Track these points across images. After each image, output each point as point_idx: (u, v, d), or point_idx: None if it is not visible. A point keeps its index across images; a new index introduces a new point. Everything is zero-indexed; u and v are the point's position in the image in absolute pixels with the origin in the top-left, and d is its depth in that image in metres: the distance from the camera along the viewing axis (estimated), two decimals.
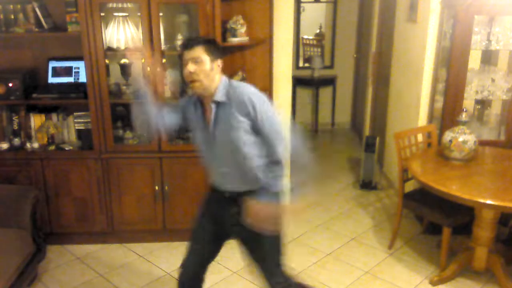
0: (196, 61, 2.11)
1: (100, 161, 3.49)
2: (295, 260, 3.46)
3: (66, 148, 3.52)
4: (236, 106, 2.13)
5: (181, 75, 3.71)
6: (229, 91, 2.17)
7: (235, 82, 2.23)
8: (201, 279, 2.55)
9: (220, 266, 3.41)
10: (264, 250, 2.34)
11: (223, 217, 2.34)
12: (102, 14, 3.30)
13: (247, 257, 2.44)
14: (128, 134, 3.58)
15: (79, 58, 3.44)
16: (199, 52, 2.11)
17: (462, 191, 2.81)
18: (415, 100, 3.98)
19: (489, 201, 2.72)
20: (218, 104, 2.16)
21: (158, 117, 2.30)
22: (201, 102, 2.25)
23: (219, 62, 2.17)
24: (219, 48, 2.21)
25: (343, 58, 6.71)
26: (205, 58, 2.11)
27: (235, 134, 2.14)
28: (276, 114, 2.19)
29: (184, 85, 3.60)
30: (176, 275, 3.32)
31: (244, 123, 2.13)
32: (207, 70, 2.11)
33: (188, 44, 2.13)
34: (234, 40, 3.51)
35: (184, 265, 2.49)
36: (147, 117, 2.28)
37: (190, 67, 2.10)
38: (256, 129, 2.15)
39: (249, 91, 2.16)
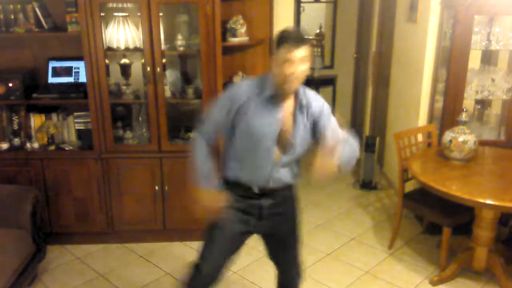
0: (303, 61, 2.00)
1: (100, 161, 3.49)
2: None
3: (66, 148, 3.52)
4: (312, 111, 2.16)
5: (181, 76, 3.73)
6: (307, 95, 2.17)
7: (306, 88, 2.21)
8: (222, 274, 2.41)
9: None
10: (293, 235, 2.43)
11: (252, 214, 2.29)
12: (102, 14, 3.30)
13: (274, 249, 2.46)
14: (128, 134, 3.58)
15: (79, 58, 3.44)
16: (307, 51, 2.00)
17: (462, 191, 2.81)
18: (415, 100, 3.98)
19: (489, 201, 2.72)
20: (300, 106, 2.14)
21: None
22: (272, 101, 2.12)
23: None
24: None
25: (343, 58, 6.71)
26: (310, 58, 2.04)
27: (307, 136, 2.19)
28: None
29: (184, 85, 3.61)
30: (176, 275, 3.32)
31: (310, 126, 2.19)
32: (307, 69, 2.04)
33: (300, 41, 1.98)
34: (234, 40, 3.52)
35: (209, 266, 2.34)
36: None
37: (300, 65, 1.99)
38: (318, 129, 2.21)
39: (323, 102, 2.24)
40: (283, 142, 2.16)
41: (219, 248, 2.31)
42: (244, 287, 3.21)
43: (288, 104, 2.15)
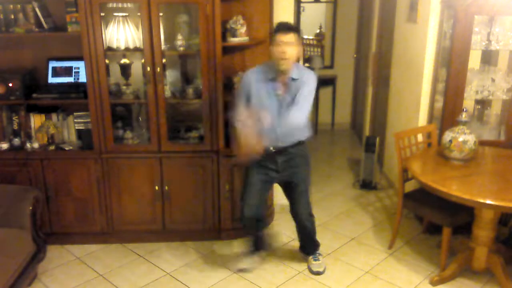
0: (291, 44, 2.76)
1: (100, 161, 3.49)
2: (295, 260, 3.46)
3: (66, 148, 3.52)
4: (303, 83, 2.86)
5: (181, 76, 3.74)
6: (300, 71, 2.90)
7: (301, 65, 3.00)
8: (263, 213, 3.26)
9: (220, 266, 3.41)
10: (303, 184, 3.14)
11: (270, 168, 3.05)
12: (102, 14, 3.30)
13: (292, 195, 3.18)
14: (128, 134, 3.58)
15: (79, 58, 3.45)
16: (294, 38, 2.78)
17: (462, 191, 2.81)
18: (415, 100, 3.98)
19: (489, 201, 2.72)
20: (293, 80, 2.87)
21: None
22: (272, 78, 2.89)
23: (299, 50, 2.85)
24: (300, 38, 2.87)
25: (343, 58, 6.71)
26: (298, 43, 2.82)
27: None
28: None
29: (184, 85, 3.61)
30: (176, 275, 3.33)
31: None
32: (297, 53, 2.82)
33: (287, 29, 2.77)
34: (234, 40, 3.51)
35: (247, 213, 3.13)
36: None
37: (288, 47, 2.75)
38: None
39: (313, 74, 2.95)
40: (276, 105, 2.88)
41: (251, 193, 3.10)
42: (244, 287, 3.21)
43: (283, 81, 2.89)
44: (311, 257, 3.39)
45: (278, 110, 2.88)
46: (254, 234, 3.34)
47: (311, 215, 3.29)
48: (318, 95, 6.63)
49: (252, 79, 2.92)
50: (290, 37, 2.76)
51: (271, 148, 2.97)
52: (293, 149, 3.03)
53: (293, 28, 2.81)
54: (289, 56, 2.78)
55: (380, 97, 5.25)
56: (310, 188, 3.22)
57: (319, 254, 3.41)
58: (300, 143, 3.05)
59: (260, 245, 3.39)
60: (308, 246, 3.42)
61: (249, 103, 2.92)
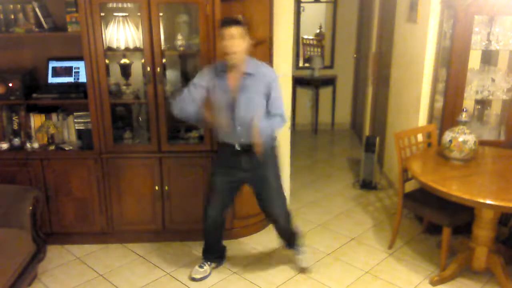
0: (234, 37, 2.74)
1: (100, 161, 3.49)
2: (295, 260, 3.46)
3: (66, 148, 3.52)
4: (261, 79, 2.86)
5: (181, 76, 3.74)
6: (257, 67, 2.89)
7: (260, 62, 2.95)
8: (223, 220, 3.24)
9: (220, 266, 3.41)
10: (274, 183, 3.07)
11: (235, 167, 3.00)
12: (102, 14, 3.30)
13: (264, 195, 3.10)
14: (128, 134, 3.58)
15: (79, 58, 3.44)
16: (242, 30, 2.77)
17: (462, 191, 2.81)
18: (415, 100, 3.98)
19: (489, 201, 2.72)
20: (247, 75, 2.84)
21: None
22: (223, 74, 2.88)
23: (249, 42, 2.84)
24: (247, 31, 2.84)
25: (343, 58, 6.71)
26: (245, 36, 2.81)
27: (255, 98, 2.87)
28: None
29: (184, 85, 3.60)
30: (176, 275, 3.33)
31: (263, 91, 2.88)
32: (245, 46, 2.81)
33: (232, 22, 2.76)
34: None
35: (210, 212, 3.12)
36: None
37: (233, 41, 2.73)
38: (268, 96, 2.90)
39: (272, 70, 2.98)
40: (234, 104, 2.86)
41: (217, 195, 3.08)
42: (244, 287, 3.21)
43: (235, 75, 2.87)
44: (294, 252, 3.37)
45: (231, 106, 2.86)
46: (212, 239, 3.27)
47: (288, 215, 3.21)
48: (318, 95, 6.64)
49: (207, 74, 2.92)
50: (234, 30, 2.74)
51: (236, 147, 2.94)
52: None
53: (237, 21, 2.79)
54: (236, 50, 2.75)
55: (380, 97, 5.25)
56: (283, 186, 3.16)
57: (301, 247, 3.36)
58: (270, 139, 3.01)
59: (210, 250, 3.31)
60: (289, 239, 3.33)
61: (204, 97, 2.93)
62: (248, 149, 2.92)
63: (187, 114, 2.94)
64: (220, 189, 3.08)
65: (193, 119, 2.98)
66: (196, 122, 3.11)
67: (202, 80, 2.93)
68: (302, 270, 3.32)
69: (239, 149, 2.94)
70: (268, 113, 2.91)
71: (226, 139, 2.97)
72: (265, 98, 2.89)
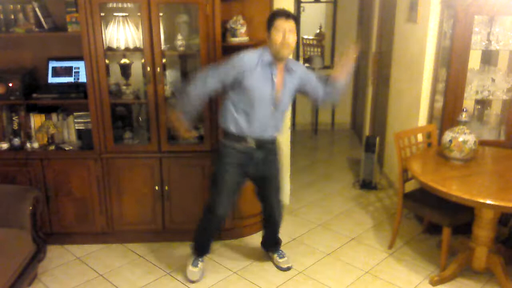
0: (292, 31, 2.74)
1: (100, 161, 3.49)
2: (295, 260, 3.46)
3: (66, 148, 3.52)
4: (297, 75, 2.91)
5: (181, 76, 3.74)
6: (294, 62, 2.95)
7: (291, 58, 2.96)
8: (229, 212, 3.28)
9: (220, 266, 3.41)
10: (276, 179, 3.16)
11: (246, 163, 2.98)
12: (102, 14, 3.30)
13: (264, 189, 3.18)
14: (128, 134, 3.58)
15: (79, 58, 3.44)
16: (294, 24, 2.76)
17: (462, 191, 2.81)
18: (415, 100, 3.98)
19: (489, 201, 2.72)
20: (289, 70, 2.87)
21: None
22: (271, 67, 2.82)
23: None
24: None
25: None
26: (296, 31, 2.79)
27: (292, 93, 2.96)
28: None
29: (183, 84, 3.60)
30: (176, 275, 3.33)
31: (297, 85, 2.95)
32: (295, 40, 2.80)
33: (290, 15, 2.75)
34: (234, 40, 3.51)
35: (218, 211, 3.05)
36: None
37: (289, 35, 2.73)
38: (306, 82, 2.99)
39: (302, 64, 3.21)
40: (276, 99, 2.86)
41: (225, 191, 3.01)
42: (244, 287, 3.21)
43: (280, 70, 2.85)
44: (275, 255, 3.41)
45: (272, 99, 2.85)
46: (212, 237, 3.28)
47: (282, 208, 3.33)
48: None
49: (252, 62, 2.79)
50: (291, 24, 2.73)
51: (252, 144, 2.92)
52: (269, 145, 3.03)
53: (294, 15, 2.80)
54: (291, 42, 2.75)
55: (380, 97, 5.25)
56: (280, 187, 3.24)
57: (282, 251, 3.43)
58: (274, 140, 3.07)
59: (207, 248, 3.30)
60: (272, 242, 3.43)
61: (228, 87, 2.87)
62: (262, 145, 2.96)
63: (193, 105, 2.91)
64: (229, 187, 3.02)
65: (193, 111, 2.94)
66: (188, 116, 2.97)
67: (242, 62, 2.79)
68: (285, 269, 3.36)
69: (253, 145, 2.94)
70: (323, 86, 3.01)
71: (248, 130, 2.90)
72: (295, 92, 2.99)
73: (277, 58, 2.80)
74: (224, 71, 2.83)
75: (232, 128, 2.91)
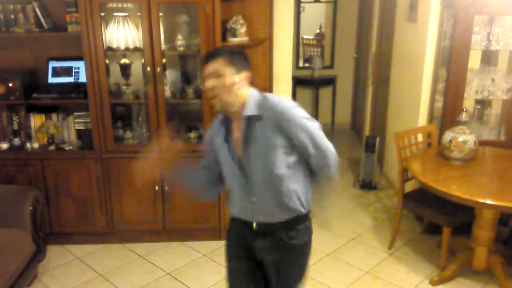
0: (215, 75, 1.86)
1: (100, 161, 3.49)
2: None
3: (66, 148, 3.52)
4: (270, 121, 1.87)
5: (181, 76, 3.73)
6: (262, 103, 1.90)
7: (269, 94, 1.95)
8: None
9: (220, 266, 3.41)
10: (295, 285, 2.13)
11: (254, 251, 2.09)
12: (102, 14, 3.30)
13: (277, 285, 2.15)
14: (128, 134, 3.58)
15: (79, 58, 3.44)
16: (219, 65, 1.86)
17: (462, 191, 2.81)
18: (415, 100, 3.98)
19: (489, 201, 2.72)
20: (249, 119, 1.89)
21: (203, 178, 2.17)
22: (227, 122, 1.99)
23: (245, 74, 1.91)
24: (245, 58, 1.93)
25: (343, 58, 6.71)
26: (226, 71, 1.86)
27: (271, 153, 1.89)
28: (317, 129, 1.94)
29: (184, 85, 3.61)
30: (176, 275, 3.33)
31: (279, 140, 1.88)
32: (228, 84, 1.85)
33: (207, 57, 1.90)
34: (234, 40, 3.51)
35: None
36: (198, 183, 2.18)
37: (208, 82, 1.87)
38: (295, 147, 1.91)
39: (285, 103, 1.90)
40: (233, 161, 1.98)
41: (235, 285, 2.16)
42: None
43: (238, 124, 1.94)
44: None
45: (241, 171, 1.96)
46: None
47: None
48: (318, 95, 6.64)
49: (211, 135, 2.10)
50: (214, 66, 1.87)
51: (253, 226, 2.04)
52: (283, 232, 2.01)
53: (218, 52, 1.91)
54: (219, 92, 1.87)
55: (380, 97, 5.25)
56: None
57: None
58: (297, 220, 2.00)
59: None
60: None
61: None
62: (267, 232, 2.03)
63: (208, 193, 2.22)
64: (239, 278, 2.15)
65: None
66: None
67: (208, 141, 2.13)
68: None
69: (256, 228, 2.04)
70: (311, 169, 1.99)
71: (240, 214, 2.08)
72: (290, 150, 1.91)
73: (223, 112, 1.99)
74: (206, 153, 2.16)
75: (229, 206, 2.15)
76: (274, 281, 2.10)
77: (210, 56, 1.90)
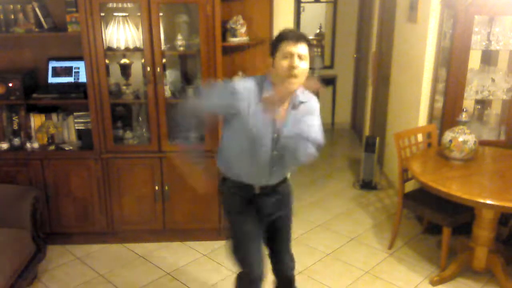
0: (301, 56, 2.09)
1: (100, 161, 3.49)
2: (295, 260, 3.45)
3: (66, 148, 3.52)
4: (309, 108, 2.25)
5: (181, 76, 3.73)
6: (304, 92, 2.25)
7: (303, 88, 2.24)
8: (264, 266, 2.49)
9: (220, 266, 3.41)
10: (289, 230, 2.56)
11: (261, 210, 2.38)
12: (102, 14, 3.30)
13: (276, 245, 2.56)
14: (128, 134, 3.58)
15: (79, 58, 3.44)
16: (306, 49, 2.11)
17: (462, 191, 2.81)
18: (415, 100, 3.98)
19: (489, 201, 2.72)
20: (293, 105, 2.20)
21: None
22: (261, 90, 2.17)
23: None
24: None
25: (343, 58, 6.71)
26: (308, 56, 2.12)
27: (308, 128, 2.18)
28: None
29: (184, 85, 3.61)
30: (176, 275, 3.33)
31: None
32: (307, 68, 2.13)
33: (298, 37, 2.10)
34: (234, 40, 3.51)
35: (255, 264, 2.39)
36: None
37: (294, 60, 2.07)
38: None
39: (315, 98, 2.32)
40: (277, 140, 2.20)
41: (253, 246, 2.37)
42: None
43: (284, 105, 2.20)
44: None
45: (273, 141, 2.19)
46: None
47: (294, 267, 2.66)
48: (318, 95, 6.62)
49: (251, 93, 2.15)
50: (302, 48, 2.08)
51: (256, 190, 2.31)
52: (280, 187, 2.39)
53: (306, 37, 2.12)
54: (301, 73, 2.09)
55: (380, 97, 5.25)
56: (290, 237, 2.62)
57: None
58: (286, 178, 2.43)
59: None
60: None
61: (224, 116, 2.26)
62: (271, 191, 2.35)
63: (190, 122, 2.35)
64: (254, 238, 2.38)
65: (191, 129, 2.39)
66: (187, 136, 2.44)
67: (239, 91, 2.16)
68: None
69: (258, 192, 2.33)
70: None
71: (246, 178, 2.31)
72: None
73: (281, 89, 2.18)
74: (217, 95, 2.28)
75: (231, 170, 2.35)
76: (281, 235, 2.51)
77: (300, 37, 2.10)
